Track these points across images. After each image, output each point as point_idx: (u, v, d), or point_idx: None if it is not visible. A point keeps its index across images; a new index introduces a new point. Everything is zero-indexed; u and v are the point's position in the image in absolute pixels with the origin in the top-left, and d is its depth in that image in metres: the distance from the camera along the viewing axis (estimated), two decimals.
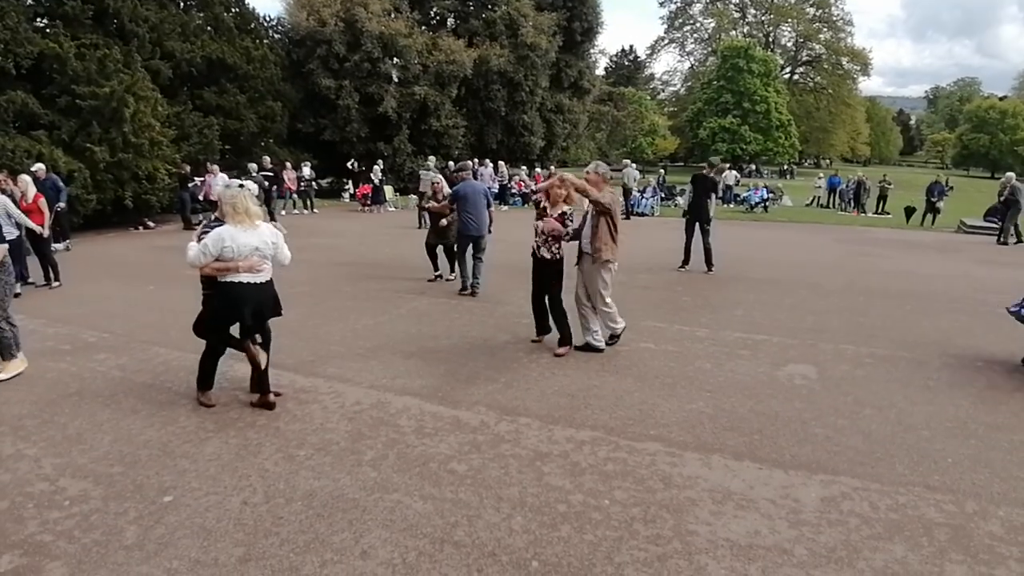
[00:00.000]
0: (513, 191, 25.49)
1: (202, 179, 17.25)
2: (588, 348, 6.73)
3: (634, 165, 23.20)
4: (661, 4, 72.68)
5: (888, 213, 24.78)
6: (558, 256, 6.67)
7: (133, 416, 5.06)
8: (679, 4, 71.21)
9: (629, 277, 10.60)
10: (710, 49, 69.27)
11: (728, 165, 12.38)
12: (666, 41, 73.14)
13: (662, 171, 34.97)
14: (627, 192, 21.84)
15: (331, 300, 9.01)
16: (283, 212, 19.96)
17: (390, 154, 27.17)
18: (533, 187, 7.13)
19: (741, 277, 11.03)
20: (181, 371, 5.43)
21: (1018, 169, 45.29)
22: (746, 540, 3.49)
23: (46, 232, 9.88)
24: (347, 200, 25.79)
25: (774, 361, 6.54)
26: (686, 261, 11.55)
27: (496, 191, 22.36)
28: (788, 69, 70.59)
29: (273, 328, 5.43)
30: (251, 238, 4.90)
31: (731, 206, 26.56)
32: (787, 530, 3.59)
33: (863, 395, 5.64)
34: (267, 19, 27.84)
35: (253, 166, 17.63)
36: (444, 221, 9.61)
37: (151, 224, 17.62)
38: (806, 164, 76.74)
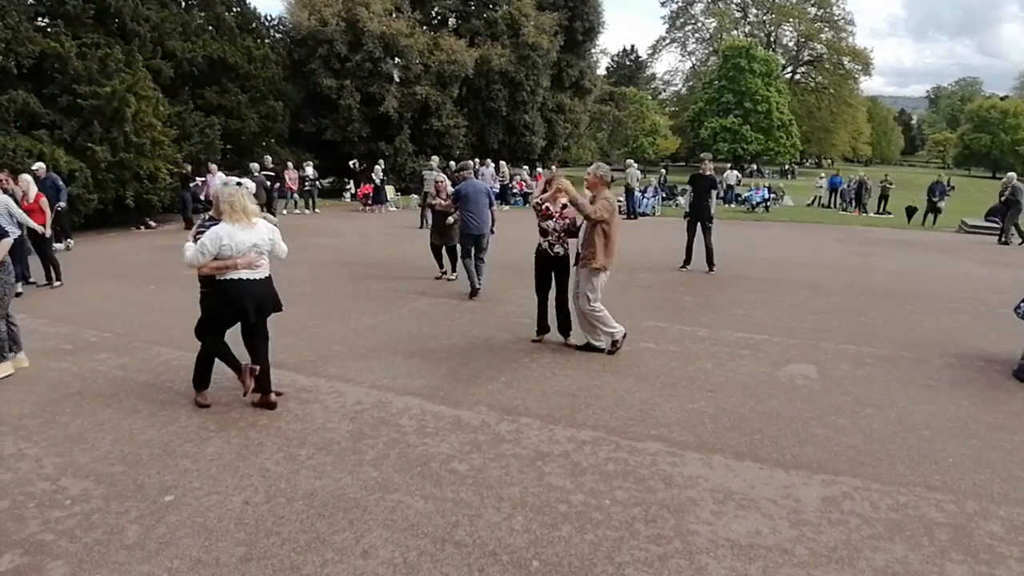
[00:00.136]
0: (514, 191, 25.50)
1: (203, 179, 17.26)
2: (589, 348, 6.74)
3: (636, 165, 23.14)
4: (662, 4, 72.71)
5: (889, 213, 24.76)
6: (568, 251, 6.75)
7: (134, 415, 5.06)
8: (680, 4, 71.26)
9: (630, 277, 10.61)
10: (711, 49, 69.23)
11: (710, 156, 12.39)
12: (667, 41, 73.18)
13: (663, 171, 34.95)
14: (630, 192, 21.77)
15: (332, 300, 9.02)
16: (284, 211, 19.97)
17: (391, 154, 27.17)
18: (537, 194, 7.11)
19: (742, 277, 11.03)
20: (182, 371, 5.43)
21: (1019, 169, 45.09)
22: (747, 540, 3.49)
23: (47, 232, 9.89)
24: (348, 200, 25.80)
25: (775, 361, 6.54)
26: (687, 261, 11.55)
27: (497, 191, 22.34)
28: (789, 69, 70.58)
29: (274, 328, 5.43)
30: (249, 236, 4.89)
31: (732, 206, 26.56)
32: (788, 530, 3.59)
33: (864, 395, 5.64)
34: (268, 19, 27.90)
35: (255, 166, 17.65)
36: (451, 219, 9.60)
37: (152, 224, 17.63)
38: (807, 164, 76.66)
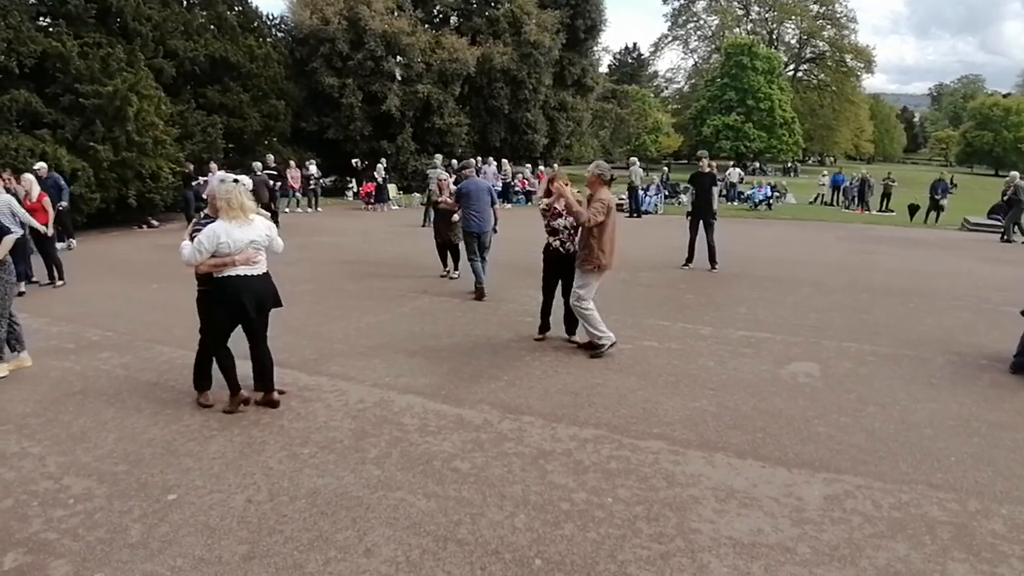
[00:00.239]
0: (517, 189, 25.49)
1: (206, 178, 17.27)
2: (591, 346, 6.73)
3: (639, 163, 23.09)
4: (664, 1, 72.68)
5: (892, 211, 24.71)
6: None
7: (137, 414, 5.08)
8: (683, 1, 71.17)
9: (632, 275, 10.61)
10: (714, 46, 69.16)
11: (706, 153, 12.46)
12: (670, 38, 73.07)
13: (666, 169, 34.91)
14: (634, 190, 21.73)
15: (334, 298, 9.03)
16: (287, 210, 19.98)
17: (393, 153, 27.18)
18: (541, 194, 7.08)
19: (745, 275, 11.03)
20: (185, 369, 5.44)
21: (1022, 166, 45.04)
22: (749, 538, 3.49)
23: (50, 231, 9.91)
24: (350, 198, 25.81)
25: (777, 359, 6.54)
26: (690, 259, 11.54)
27: (500, 189, 22.33)
28: (792, 66, 70.52)
29: (276, 326, 5.44)
30: (246, 232, 4.85)
31: (735, 204, 26.53)
32: (790, 528, 3.59)
33: (866, 393, 5.64)
34: (270, 17, 27.86)
35: (258, 165, 17.65)
36: (456, 217, 9.60)
37: (155, 223, 17.66)
38: (810, 162, 76.64)
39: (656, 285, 10.17)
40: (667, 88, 77.01)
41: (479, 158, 23.82)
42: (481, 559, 3.30)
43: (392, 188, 23.87)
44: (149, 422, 4.93)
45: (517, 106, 30.95)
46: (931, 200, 22.15)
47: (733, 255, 12.22)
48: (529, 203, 24.76)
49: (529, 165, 28.78)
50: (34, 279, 9.82)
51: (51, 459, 4.34)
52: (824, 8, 66.89)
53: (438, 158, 19.46)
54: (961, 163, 79.93)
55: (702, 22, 71.97)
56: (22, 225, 9.00)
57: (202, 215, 5.26)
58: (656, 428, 4.89)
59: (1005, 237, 16.90)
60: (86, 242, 14.37)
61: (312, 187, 21.68)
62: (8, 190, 9.53)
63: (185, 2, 22.31)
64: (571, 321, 6.98)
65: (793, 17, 68.12)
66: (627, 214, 21.39)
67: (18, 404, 5.29)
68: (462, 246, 9.67)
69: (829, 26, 67.32)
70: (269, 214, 5.91)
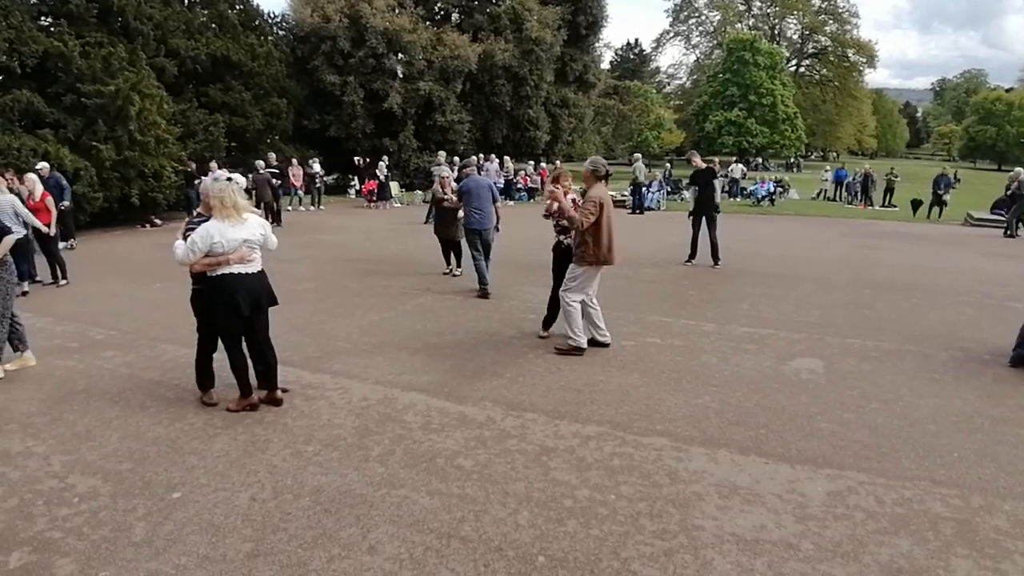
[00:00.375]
0: (519, 186, 25.46)
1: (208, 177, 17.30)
2: (594, 343, 6.73)
3: (642, 159, 23.04)
4: None
5: (895, 206, 24.68)
6: None
7: (141, 413, 5.09)
8: None
9: (635, 272, 10.61)
10: (716, 42, 68.99)
11: (694, 152, 12.54)
12: (671, 34, 72.86)
13: (668, 165, 34.85)
14: (638, 186, 21.67)
15: (337, 296, 9.04)
16: (289, 208, 19.99)
17: (395, 150, 27.20)
18: (546, 195, 7.07)
19: (747, 271, 11.02)
20: (189, 368, 5.45)
21: None
22: (752, 535, 3.49)
23: (52, 230, 9.94)
24: (353, 196, 25.82)
25: (780, 355, 6.54)
26: (692, 255, 11.53)
27: (502, 186, 22.31)
28: (794, 62, 70.31)
29: (279, 324, 5.44)
30: (240, 231, 4.81)
31: (738, 200, 26.48)
32: (793, 524, 3.59)
33: (869, 389, 5.63)
34: (271, 16, 27.92)
35: (260, 163, 17.67)
36: (461, 213, 9.59)
37: (158, 222, 17.68)
38: (812, 157, 76.51)
39: (659, 281, 10.17)
40: (669, 84, 76.89)
41: (481, 155, 23.79)
42: (484, 556, 3.31)
43: (394, 186, 23.87)
44: (153, 420, 4.94)
45: (519, 103, 30.92)
46: (934, 195, 22.10)
47: (736, 251, 12.21)
48: (532, 200, 24.75)
49: (531, 162, 28.75)
50: (38, 278, 9.84)
51: (56, 458, 4.36)
52: (826, 3, 66.72)
53: (441, 155, 19.46)
54: (964, 158, 79.68)
55: (704, 17, 71.84)
56: (25, 225, 9.04)
57: (195, 213, 5.20)
58: (659, 425, 4.89)
59: (1008, 232, 16.85)
60: (89, 241, 14.40)
61: (318, 185, 21.76)
62: (11, 190, 9.56)
63: (186, 1, 22.32)
64: None
65: (795, 12, 67.91)
66: (630, 210, 21.39)
67: (22, 403, 5.30)
68: (464, 244, 9.66)
69: (831, 21, 67.13)
70: (261, 211, 5.88)
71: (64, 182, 12.71)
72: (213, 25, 22.46)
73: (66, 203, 12.40)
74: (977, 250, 14.25)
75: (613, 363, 6.28)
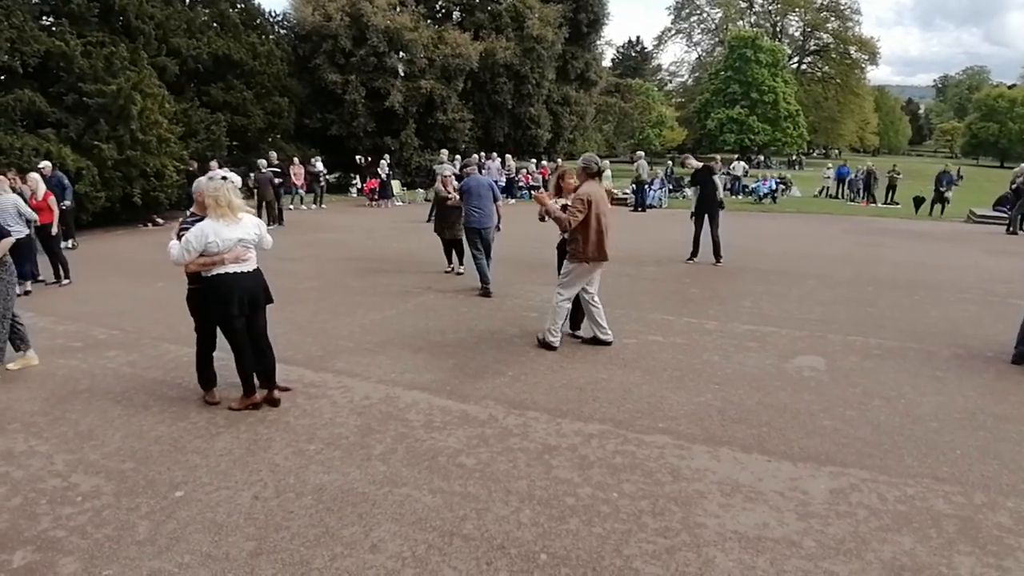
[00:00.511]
0: (520, 184, 25.45)
1: None
2: (596, 341, 6.74)
3: (645, 157, 22.99)
4: None
5: (897, 203, 24.64)
6: None
7: (144, 412, 5.10)
8: None
9: (637, 269, 10.61)
10: (717, 39, 68.93)
11: (689, 155, 12.60)
12: (673, 32, 72.76)
13: (670, 163, 34.79)
14: (641, 184, 21.63)
15: (339, 295, 9.04)
16: (291, 207, 20.00)
17: (397, 148, 27.19)
18: (550, 194, 7.08)
19: (749, 268, 11.01)
20: (191, 367, 5.45)
21: None
22: (755, 532, 3.49)
23: (55, 230, 9.95)
24: (354, 195, 25.83)
25: (782, 353, 6.53)
26: (694, 253, 11.52)
27: (503, 184, 22.30)
28: (796, 59, 70.18)
29: (281, 323, 5.45)
30: (235, 231, 4.78)
31: (740, 197, 26.45)
32: (795, 522, 3.59)
33: (872, 386, 5.63)
34: (272, 15, 27.91)
35: (262, 162, 17.66)
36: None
37: (160, 221, 17.68)
38: (815, 154, 76.33)
39: (661, 279, 10.16)
40: (671, 82, 76.84)
41: (483, 154, 23.79)
42: (487, 554, 3.31)
43: (396, 184, 23.87)
44: (156, 419, 4.95)
45: (520, 101, 30.90)
46: (936, 192, 22.05)
47: (738, 249, 12.20)
48: (533, 199, 24.70)
49: (533, 160, 28.72)
50: (40, 278, 9.85)
51: (59, 457, 4.36)
52: (828, 0, 66.57)
53: (443, 154, 19.46)
54: (966, 155, 79.56)
55: (705, 15, 71.73)
56: (29, 224, 9.06)
57: (188, 213, 5.16)
58: (661, 423, 4.89)
59: (1011, 229, 16.83)
60: (91, 241, 14.41)
61: (321, 184, 21.78)
62: (14, 189, 9.57)
63: (187, 0, 22.31)
64: (576, 315, 6.98)
65: (797, 9, 67.77)
66: (632, 208, 21.37)
67: (25, 403, 5.31)
68: (465, 243, 9.66)
69: (833, 18, 66.99)
70: (254, 211, 5.85)
71: (66, 181, 12.71)
72: (214, 24, 22.47)
73: (68, 202, 12.41)
74: (980, 247, 14.23)
75: (615, 361, 6.28)
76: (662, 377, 5.85)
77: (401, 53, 27.38)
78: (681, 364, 6.19)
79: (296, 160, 21.28)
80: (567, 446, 4.50)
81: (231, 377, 5.29)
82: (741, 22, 69.12)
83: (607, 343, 6.70)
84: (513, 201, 23.07)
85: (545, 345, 6.64)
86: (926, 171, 35.05)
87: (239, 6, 24.04)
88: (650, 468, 4.19)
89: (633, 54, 75.37)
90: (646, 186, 22.07)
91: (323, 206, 21.68)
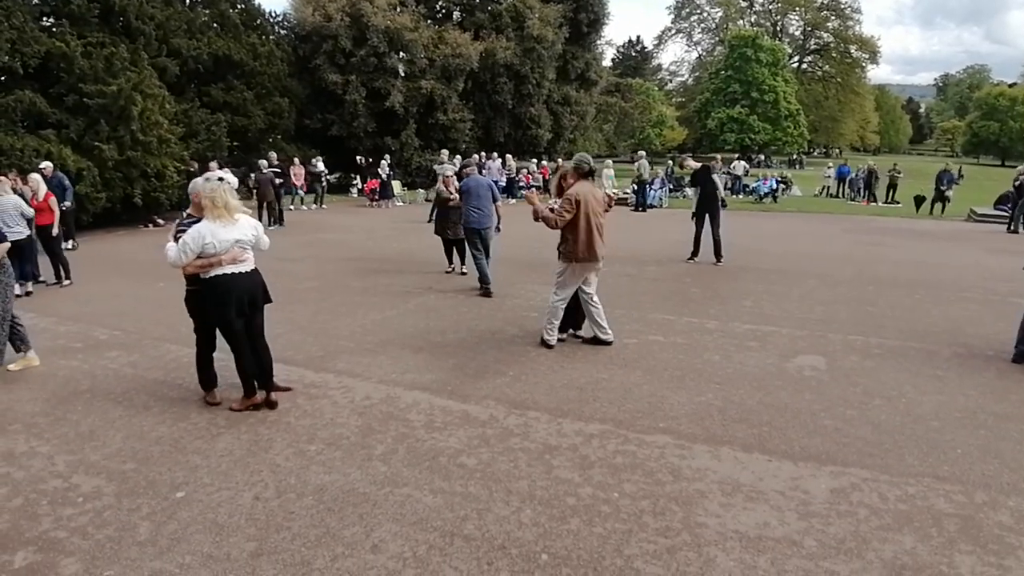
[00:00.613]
0: (521, 184, 25.43)
1: None
2: (596, 341, 6.74)
3: (646, 156, 22.97)
4: None
5: (898, 202, 24.62)
6: None
7: (145, 413, 5.10)
8: None
9: (638, 269, 10.61)
10: (717, 39, 68.96)
11: (688, 156, 12.65)
12: (673, 31, 72.81)
13: (671, 162, 34.76)
14: (642, 184, 21.60)
15: (339, 295, 9.04)
16: (291, 207, 20.01)
17: (397, 149, 27.19)
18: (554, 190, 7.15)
19: (750, 268, 11.01)
20: (192, 368, 5.46)
21: None
22: (755, 532, 3.49)
23: (55, 230, 9.96)
24: (355, 195, 25.83)
25: (783, 352, 6.53)
26: (695, 253, 11.52)
27: (504, 184, 22.29)
28: (796, 58, 70.19)
29: (281, 323, 5.45)
30: (232, 232, 4.76)
31: (740, 197, 26.44)
32: (796, 522, 3.59)
33: (872, 386, 5.63)
34: (273, 15, 27.92)
35: (263, 162, 17.65)
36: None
37: (161, 221, 17.66)
38: (815, 154, 76.34)
39: (661, 279, 10.16)
40: (671, 81, 76.89)
41: (483, 154, 23.78)
42: (488, 554, 3.31)
43: (396, 184, 23.86)
44: (157, 420, 4.95)
45: (520, 101, 30.90)
46: (937, 191, 22.03)
47: (738, 248, 12.20)
48: None
49: (534, 160, 28.72)
50: (41, 279, 9.85)
51: (60, 458, 4.37)
52: None
53: (444, 154, 19.45)
54: (967, 153, 79.53)
55: (705, 14, 71.77)
56: (30, 225, 9.06)
57: (185, 215, 5.13)
58: (662, 422, 4.89)
59: (1012, 228, 16.82)
60: (92, 241, 14.42)
61: (322, 184, 21.81)
62: (15, 190, 9.58)
63: (187, 1, 22.33)
64: (577, 315, 6.98)
65: (797, 8, 67.76)
66: (633, 208, 21.36)
67: (26, 403, 5.32)
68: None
69: (833, 17, 66.98)
70: (253, 212, 5.84)
71: (67, 182, 12.71)
72: (215, 25, 22.50)
73: (68, 203, 12.41)
74: (980, 246, 14.22)
75: (616, 361, 6.28)
76: (663, 377, 5.85)
77: (401, 53, 27.39)
78: (682, 364, 6.19)
79: (296, 160, 21.28)
80: (568, 446, 4.50)
81: (232, 378, 5.29)
82: (741, 21, 69.15)
83: (608, 343, 6.70)
84: (514, 201, 23.04)
85: (543, 344, 6.67)
86: (927, 170, 35.03)
87: (239, 6, 24.06)
88: (651, 468, 4.19)
89: (633, 54, 75.36)
90: (647, 186, 22.04)
91: (323, 206, 21.68)
